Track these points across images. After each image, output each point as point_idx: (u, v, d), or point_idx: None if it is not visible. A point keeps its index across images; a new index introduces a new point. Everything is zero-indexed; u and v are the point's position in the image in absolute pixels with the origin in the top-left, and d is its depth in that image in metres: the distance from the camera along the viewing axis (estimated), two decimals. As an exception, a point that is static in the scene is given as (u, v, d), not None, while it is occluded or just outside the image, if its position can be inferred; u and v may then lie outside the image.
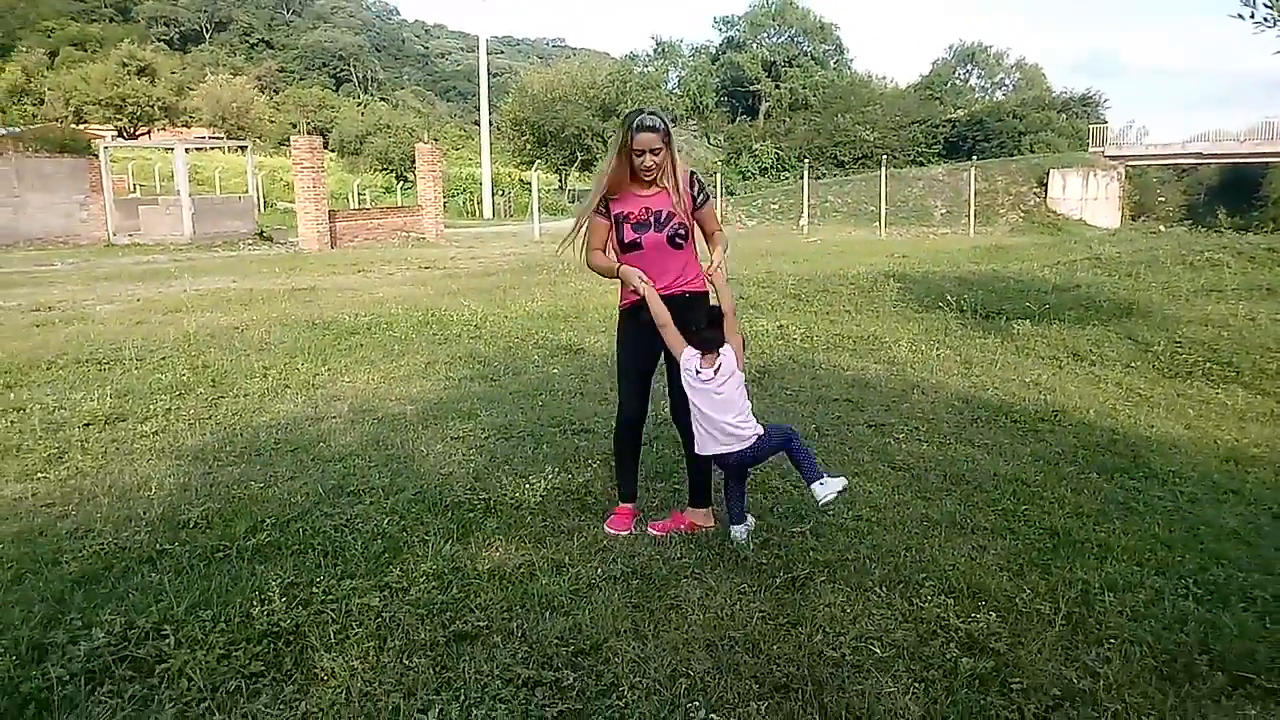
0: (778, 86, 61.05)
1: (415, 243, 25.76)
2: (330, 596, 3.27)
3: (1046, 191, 39.52)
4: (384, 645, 2.98)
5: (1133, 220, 37.95)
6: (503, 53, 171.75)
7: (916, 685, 2.86)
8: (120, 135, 62.04)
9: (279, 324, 9.49)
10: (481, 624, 3.12)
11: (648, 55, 63.47)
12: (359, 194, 51.87)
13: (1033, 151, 47.96)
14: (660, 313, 3.80)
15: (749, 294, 12.37)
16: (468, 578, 3.48)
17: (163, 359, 7.62)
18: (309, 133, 29.35)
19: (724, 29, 64.68)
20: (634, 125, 3.82)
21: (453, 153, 71.12)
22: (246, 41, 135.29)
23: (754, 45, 62.91)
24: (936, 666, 2.96)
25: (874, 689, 2.82)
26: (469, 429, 5.53)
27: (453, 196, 56.35)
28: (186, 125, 73.80)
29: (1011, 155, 47.28)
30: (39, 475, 4.75)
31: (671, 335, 3.85)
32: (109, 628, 3.00)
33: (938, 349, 8.54)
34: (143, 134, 68.59)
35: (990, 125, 54.05)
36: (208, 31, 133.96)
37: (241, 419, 5.87)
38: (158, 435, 5.48)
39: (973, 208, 32.40)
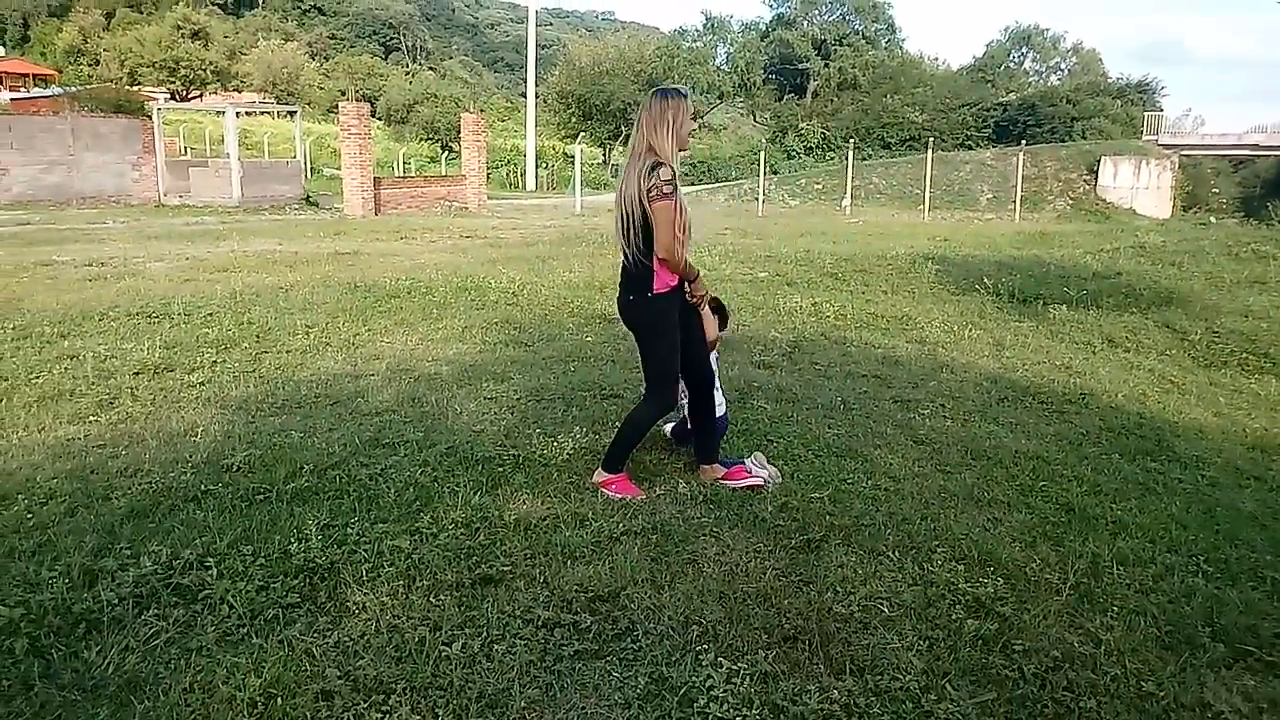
0: (827, 65, 60.50)
1: (457, 212, 25.99)
2: (364, 538, 3.44)
3: (1097, 179, 38.86)
4: (412, 584, 3.14)
5: (1184, 211, 37.23)
6: (551, 24, 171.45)
7: (921, 642, 2.96)
8: (173, 98, 62.89)
9: (322, 285, 9.71)
10: (505, 569, 3.27)
11: (696, 30, 63.04)
12: (404, 162, 52.26)
13: (1085, 138, 47.18)
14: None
15: (785, 271, 12.44)
16: (494, 526, 3.63)
17: (209, 315, 7.86)
18: (356, 100, 29.68)
19: (775, 5, 64.15)
20: (682, 94, 3.94)
21: (498, 124, 71.36)
22: (298, 7, 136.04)
23: (805, 23, 62.31)
24: (942, 626, 3.06)
25: (879, 643, 2.93)
26: (502, 390, 5.68)
27: (497, 168, 56.64)
28: (238, 90, 74.60)
29: (1063, 141, 46.53)
30: (91, 419, 4.97)
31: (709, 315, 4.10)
32: (156, 557, 3.19)
33: (970, 330, 8.57)
34: (194, 97, 69.45)
35: (1042, 110, 53.25)
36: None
37: (284, 373, 6.07)
38: (204, 385, 5.69)
39: (1019, 193, 31.97)
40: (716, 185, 47.34)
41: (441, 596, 3.07)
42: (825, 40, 60.86)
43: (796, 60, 61.21)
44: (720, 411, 4.44)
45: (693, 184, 50.27)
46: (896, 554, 3.57)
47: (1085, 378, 6.92)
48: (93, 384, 5.60)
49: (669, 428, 4.74)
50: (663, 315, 3.96)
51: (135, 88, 60.33)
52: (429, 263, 12.36)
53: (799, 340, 7.72)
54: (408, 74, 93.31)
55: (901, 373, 6.76)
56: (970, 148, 49.41)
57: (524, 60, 54.80)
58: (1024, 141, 39.44)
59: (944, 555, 3.56)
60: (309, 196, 27.73)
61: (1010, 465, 4.72)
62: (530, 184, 52.71)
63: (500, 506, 3.83)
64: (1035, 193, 38.31)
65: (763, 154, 41.50)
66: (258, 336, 7.07)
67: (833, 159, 49.44)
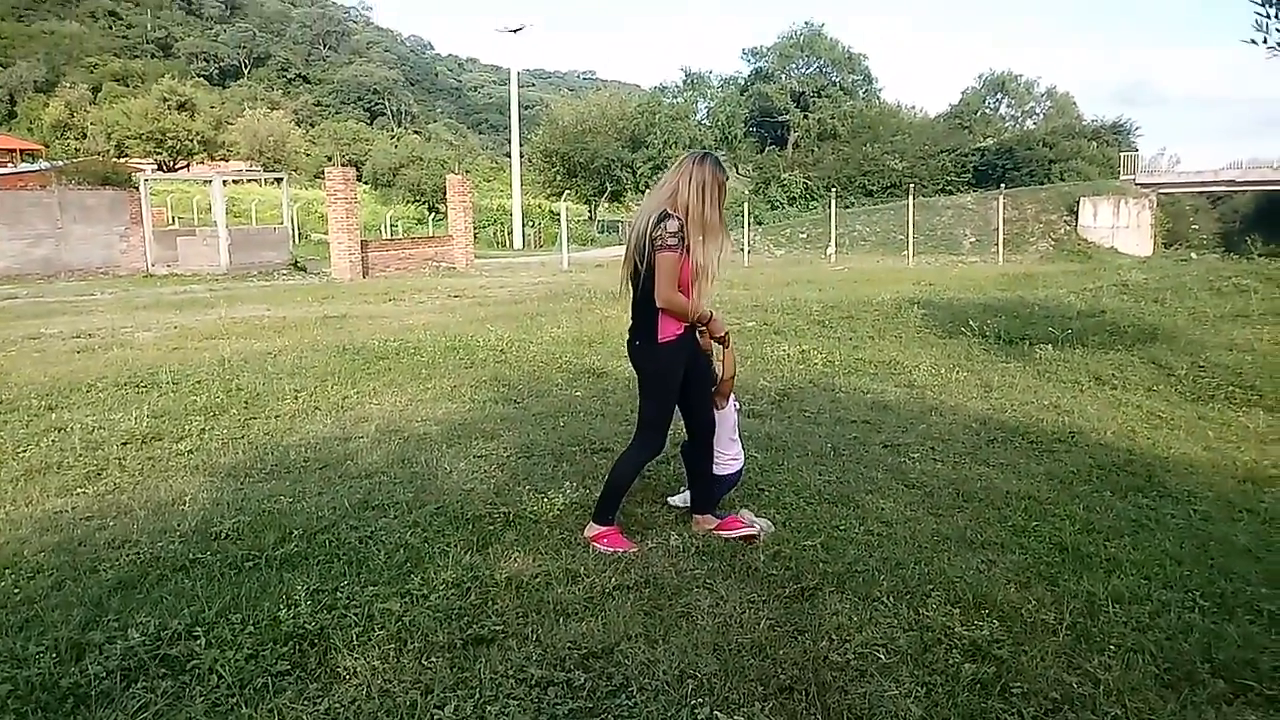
0: (806, 117, 61.43)
1: (445, 272, 26.12)
2: (353, 602, 3.41)
3: (1077, 220, 39.34)
4: (403, 647, 3.11)
5: (1165, 248, 37.67)
6: (534, 85, 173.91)
7: (919, 689, 2.94)
8: (160, 168, 63.37)
9: (310, 349, 9.72)
10: (498, 628, 3.24)
11: (677, 87, 64.06)
12: (391, 225, 52.63)
13: (1063, 179, 47.84)
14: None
15: (773, 320, 12.49)
16: (486, 586, 3.60)
17: (198, 382, 7.84)
18: (343, 165, 29.97)
19: (752, 60, 65.26)
20: (723, 168, 4.02)
21: (484, 184, 72.09)
22: (284, 76, 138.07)
23: (782, 76, 63.36)
24: (939, 672, 3.04)
25: (876, 691, 2.90)
26: (492, 448, 5.67)
27: (484, 227, 57.05)
28: (225, 159, 75.25)
29: (1041, 184, 47.17)
30: (78, 490, 4.94)
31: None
32: (144, 629, 3.15)
33: (958, 373, 8.60)
34: (181, 167, 70.02)
35: (1020, 154, 54.06)
36: (246, 67, 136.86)
37: (272, 438, 6.05)
38: (192, 453, 5.67)
39: (1001, 236, 32.30)
40: (702, 237, 47.68)
41: (433, 658, 3.03)
42: (804, 92, 61.89)
43: (776, 113, 62.18)
44: (737, 466, 4.43)
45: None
46: (891, 599, 3.55)
47: (1073, 416, 6.95)
48: (80, 456, 5.57)
49: (677, 499, 4.65)
50: (666, 363, 4.00)
51: (123, 159, 60.83)
52: (417, 323, 12.40)
53: (787, 388, 7.75)
54: (393, 138, 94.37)
55: (890, 417, 6.78)
56: (951, 193, 50.02)
57: (507, 121, 55.52)
58: (1003, 185, 39.96)
59: (939, 599, 3.55)
60: (297, 261, 27.83)
61: (1002, 506, 4.72)
62: (518, 242, 53.08)
63: (491, 565, 3.81)
64: (1017, 235, 38.74)
65: (745, 205, 41.91)
66: (246, 403, 7.05)
67: (816, 208, 49.99)
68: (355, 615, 3.30)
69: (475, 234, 34.40)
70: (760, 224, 47.38)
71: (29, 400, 7.15)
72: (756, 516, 4.33)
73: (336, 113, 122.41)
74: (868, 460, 5.54)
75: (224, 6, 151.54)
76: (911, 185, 40.76)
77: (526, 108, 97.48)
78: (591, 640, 3.17)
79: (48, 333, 12.02)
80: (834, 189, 42.45)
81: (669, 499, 4.67)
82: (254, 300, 17.54)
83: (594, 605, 3.46)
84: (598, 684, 2.92)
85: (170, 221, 45.01)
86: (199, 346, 10.34)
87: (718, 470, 4.33)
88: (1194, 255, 26.15)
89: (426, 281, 22.41)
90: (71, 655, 3.04)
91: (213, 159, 74.63)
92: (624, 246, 4.12)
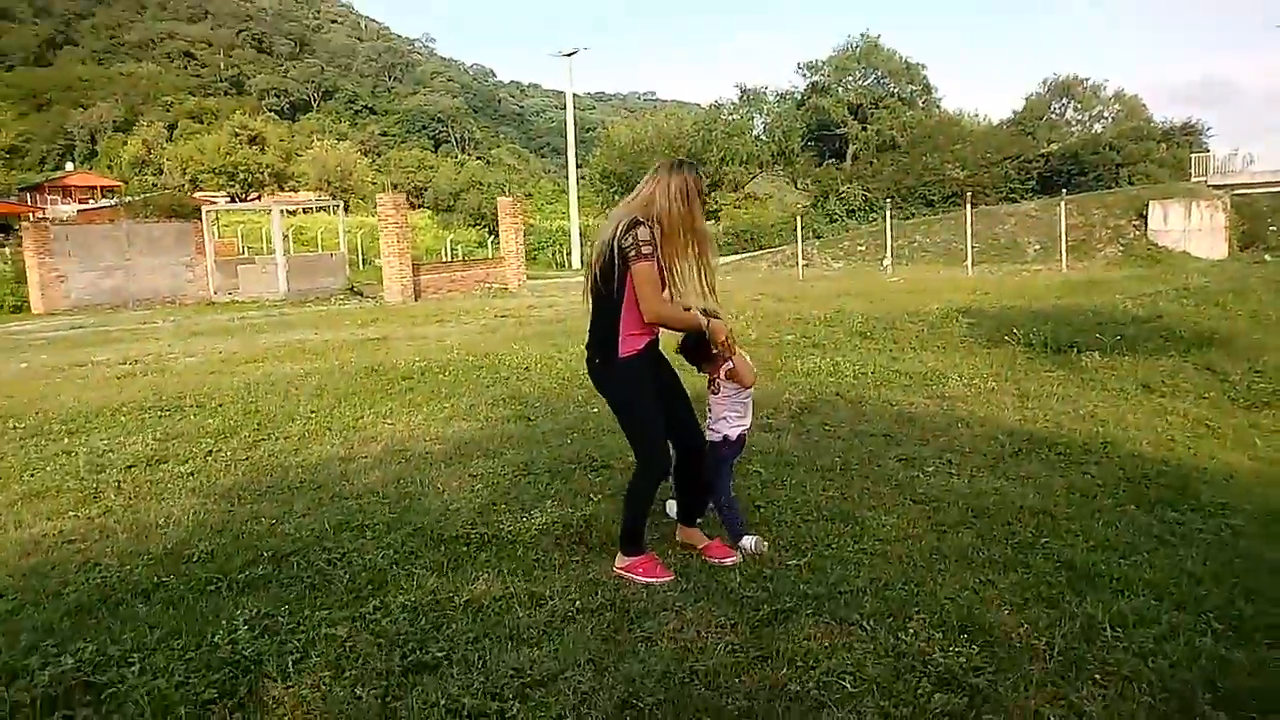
0: (864, 129, 60.62)
1: (497, 293, 26.24)
2: (301, 627, 3.29)
3: (1146, 224, 37.99)
4: (340, 675, 2.98)
5: (1241, 250, 36.20)
6: (594, 108, 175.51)
7: (880, 721, 2.71)
8: (233, 200, 65.15)
9: (339, 371, 9.74)
10: (442, 655, 3.09)
11: (733, 104, 63.80)
12: (452, 249, 53.29)
13: (1131, 183, 46.39)
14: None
15: (813, 333, 12.19)
16: (443, 609, 3.46)
17: (219, 405, 7.88)
18: (404, 191, 30.39)
19: (808, 74, 64.66)
20: (699, 173, 3.84)
21: (547, 207, 72.68)
22: (351, 108, 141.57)
23: (839, 89, 62.68)
24: (907, 703, 2.81)
25: (831, 725, 2.68)
26: (490, 467, 5.54)
27: (543, 248, 57.47)
28: (294, 189, 77.24)
29: (1109, 188, 45.79)
30: (69, 514, 4.93)
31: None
32: (79, 654, 3.07)
33: (995, 382, 8.24)
34: (254, 199, 72.11)
35: (1086, 159, 52.58)
36: (315, 101, 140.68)
37: (276, 459, 6.01)
38: (193, 475, 5.65)
39: (1064, 242, 31.34)
40: (760, 252, 47.35)
41: (366, 687, 2.89)
42: (861, 105, 61.07)
43: (834, 126, 61.42)
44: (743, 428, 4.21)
45: (735, 252, 50.37)
46: (871, 623, 3.31)
47: (1109, 426, 6.57)
48: (82, 479, 5.59)
49: (671, 509, 4.45)
50: (631, 380, 3.77)
51: (198, 194, 62.85)
52: (454, 344, 12.38)
53: (812, 401, 7.49)
54: (456, 164, 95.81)
55: (914, 430, 6.49)
56: (1014, 200, 48.88)
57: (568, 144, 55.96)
58: (1064, 190, 38.86)
59: (921, 623, 3.30)
60: (353, 286, 28.26)
61: (1013, 522, 4.43)
62: (575, 263, 53.28)
63: (456, 588, 3.66)
64: (1083, 241, 37.58)
65: (798, 219, 41.46)
66: (258, 425, 7.04)
67: (875, 220, 49.22)
68: (297, 641, 3.18)
69: (535, 255, 34.62)
70: (819, 238, 46.83)
71: (52, 425, 7.25)
72: (750, 534, 4.10)
73: (402, 142, 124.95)
74: (878, 475, 5.28)
75: (294, 44, 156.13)
76: (969, 193, 39.84)
77: (588, 130, 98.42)
78: (538, 668, 3.00)
79: (96, 360, 12.27)
80: (889, 199, 41.72)
81: (665, 504, 4.47)
82: (304, 325, 17.77)
83: (551, 630, 3.29)
84: (532, 715, 2.74)
85: (240, 251, 46.13)
86: (234, 371, 10.44)
87: (729, 428, 4.14)
88: (1268, 257, 25.03)
89: (476, 303, 22.52)
90: (5, 680, 2.97)
91: (282, 190, 76.68)
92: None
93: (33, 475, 5.73)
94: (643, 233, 3.56)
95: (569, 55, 56.51)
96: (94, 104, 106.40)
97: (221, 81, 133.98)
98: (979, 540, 4.18)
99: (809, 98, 63.22)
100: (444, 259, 46.73)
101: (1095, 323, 11.40)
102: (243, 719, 2.75)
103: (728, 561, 3.91)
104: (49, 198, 75.33)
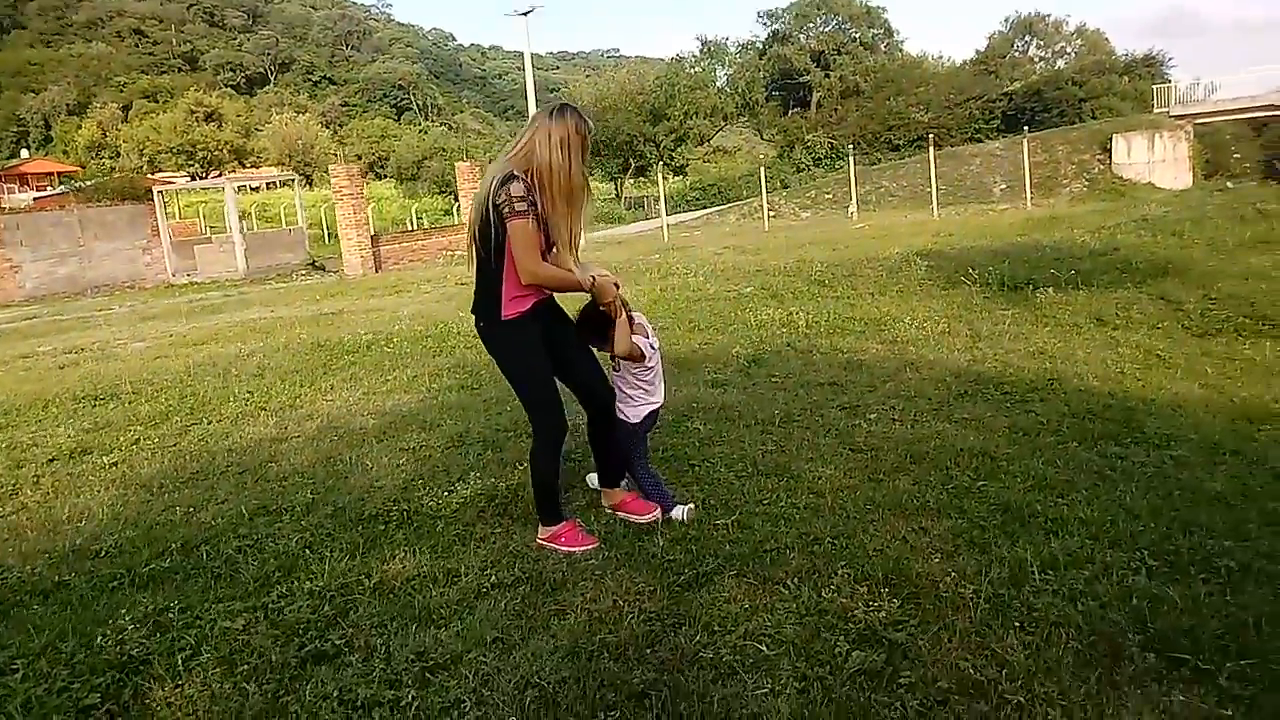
0: (827, 76, 60.20)
1: (459, 261, 25.91)
2: (198, 621, 3.13)
3: (1111, 157, 37.98)
4: (231, 671, 2.82)
5: (1205, 180, 36.27)
6: (558, 68, 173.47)
7: (796, 684, 2.60)
8: (192, 179, 64.01)
9: (283, 349, 9.51)
10: (342, 643, 2.94)
11: (694, 56, 63.09)
12: (417, 218, 52.62)
13: (1095, 118, 46.29)
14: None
15: (772, 283, 12.04)
16: (351, 593, 3.31)
17: (157, 391, 7.65)
18: (367, 162, 29.88)
19: (769, 23, 64.02)
20: (585, 118, 3.50)
21: (512, 170, 71.72)
22: (309, 80, 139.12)
23: (801, 37, 62.09)
24: (824, 663, 2.69)
25: (742, 692, 2.56)
26: (423, 439, 5.38)
27: (512, 213, 56.68)
28: (255, 166, 75.97)
29: (1072, 124, 45.69)
30: (-19, 513, 4.74)
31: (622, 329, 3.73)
32: (-41, 665, 2.91)
33: (949, 324, 8.13)
34: (215, 176, 70.89)
35: (1049, 95, 52.37)
36: (272, 74, 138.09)
37: (205, 444, 5.82)
38: (115, 466, 5.44)
39: (1028, 179, 31.28)
40: (727, 205, 47.05)
41: (257, 683, 2.74)
42: (823, 51, 60.56)
43: (797, 74, 60.94)
44: (653, 406, 3.96)
45: (704, 206, 50.03)
46: (795, 581, 3.19)
47: (1058, 362, 6.47)
48: (0, 476, 5.38)
49: (593, 479, 4.32)
50: (516, 341, 3.59)
51: (157, 175, 61.63)
52: (406, 314, 12.15)
53: (760, 353, 7.35)
54: (420, 132, 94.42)
55: (862, 377, 6.36)
56: (979, 141, 48.70)
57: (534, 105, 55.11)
58: (1027, 128, 38.71)
59: (845, 577, 3.19)
60: (314, 261, 27.83)
61: (951, 466, 4.32)
62: (541, 225, 52.78)
63: (368, 569, 3.51)
64: (1049, 178, 37.54)
65: (761, 170, 41.16)
66: (191, 409, 6.83)
67: (841, 168, 48.96)
68: (191, 637, 3.02)
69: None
70: (786, 187, 46.58)
71: (-20, 421, 7.02)
72: (679, 504, 3.92)
73: (364, 111, 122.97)
74: (820, 425, 5.15)
75: (246, 16, 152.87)
76: (931, 135, 39.61)
77: (551, 90, 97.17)
78: (442, 650, 2.86)
79: (41, 350, 11.97)
80: (851, 146, 41.45)
81: (586, 477, 4.34)
82: (260, 303, 17.45)
83: (461, 609, 3.16)
84: (429, 702, 2.61)
85: (203, 231, 45.40)
86: (182, 354, 10.18)
87: (633, 410, 3.91)
88: (1229, 185, 25.04)
89: (438, 272, 22.20)
90: (-123, 699, 2.80)
91: (243, 166, 75.42)
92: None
93: (-49, 474, 5.51)
94: (516, 188, 3.33)
95: (525, 15, 55.48)
96: (45, 88, 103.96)
97: (175, 59, 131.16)
98: (915, 487, 4.06)
99: (770, 47, 62.63)
100: (408, 229, 46.20)
101: (1052, 259, 11.30)
102: (123, 724, 2.60)
103: (646, 518, 3.78)
104: (5, 186, 73.80)
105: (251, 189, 66.66)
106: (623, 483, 3.97)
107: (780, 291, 11.41)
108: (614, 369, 3.99)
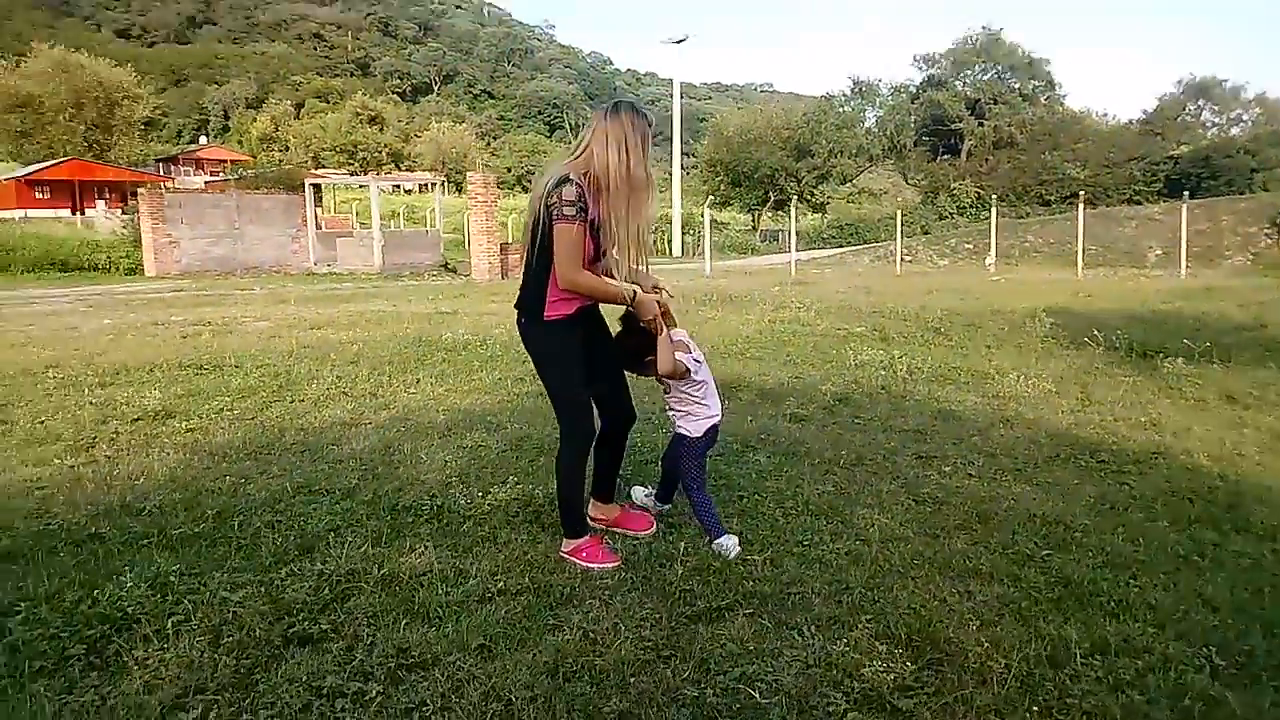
0: (981, 124, 58.52)
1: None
2: (201, 588, 3.13)
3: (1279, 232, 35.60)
4: (216, 641, 2.80)
5: (1387, 265, 33.49)
6: (710, 98, 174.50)
7: (779, 739, 2.38)
8: (352, 176, 67.08)
9: (386, 341, 9.71)
10: (329, 629, 2.88)
11: (844, 95, 62.43)
12: (555, 232, 53.61)
13: (1266, 190, 43.51)
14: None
15: (885, 326, 11.66)
16: (358, 580, 3.26)
17: (256, 366, 7.90)
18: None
19: (925, 67, 62.81)
20: (642, 113, 3.42)
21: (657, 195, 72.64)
22: (470, 92, 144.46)
23: (957, 83, 60.63)
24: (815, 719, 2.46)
25: (716, 738, 2.36)
26: (483, 439, 5.34)
27: (646, 235, 57.20)
28: (410, 169, 79.15)
29: (1241, 194, 43.07)
30: (55, 461, 4.92)
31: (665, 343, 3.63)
32: (-31, 599, 2.98)
33: (1057, 384, 7.63)
34: (370, 176, 74.14)
35: (1218, 163, 49.61)
36: (436, 84, 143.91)
37: (281, 421, 5.93)
38: (190, 432, 5.60)
39: (1183, 247, 29.52)
40: (864, 246, 46.24)
41: (234, 656, 2.70)
42: (979, 100, 58.95)
43: (949, 121, 59.48)
44: (713, 421, 3.84)
45: (840, 245, 49.31)
46: (811, 629, 2.97)
47: (1169, 435, 5.95)
48: (84, 429, 5.60)
49: (638, 491, 4.23)
50: (555, 344, 3.49)
51: (320, 170, 64.89)
52: (512, 322, 12.25)
53: (849, 393, 7.06)
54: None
55: (950, 427, 6.01)
56: (1138, 203, 46.45)
57: (682, 134, 55.43)
58: (1187, 194, 36.66)
59: (866, 632, 2.94)
60: (447, 263, 28.63)
61: (1018, 531, 3.98)
62: (676, 249, 53.01)
63: (381, 559, 3.46)
64: (1210, 248, 35.42)
65: (898, 214, 40.24)
66: (280, 386, 7.01)
67: (986, 218, 47.48)
68: (189, 602, 3.01)
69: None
70: (927, 234, 45.44)
71: (88, 376, 7.37)
72: (729, 534, 3.72)
73: (518, 126, 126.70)
74: (888, 471, 4.87)
75: (418, 28, 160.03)
76: (1082, 193, 37.97)
77: (702, 120, 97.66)
78: (423, 649, 2.76)
79: (174, 319, 12.60)
80: (997, 197, 40.09)
81: (631, 490, 4.21)
82: (387, 297, 17.97)
83: (460, 610, 3.06)
84: (394, 700, 2.51)
85: (354, 226, 47.43)
86: (292, 336, 10.53)
87: (694, 425, 3.80)
88: None
89: (561, 284, 22.46)
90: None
91: (399, 169, 78.63)
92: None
93: (42, 423, 5.78)
94: (568, 191, 3.23)
95: (679, 43, 56.08)
96: (228, 81, 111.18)
97: (348, 63, 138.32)
98: (972, 548, 3.76)
99: (924, 91, 61.37)
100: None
101: (1192, 329, 10.57)
102: (96, 678, 2.59)
103: (644, 533, 3.70)
104: (183, 169, 79.03)
105: (405, 190, 69.46)
106: (665, 506, 3.84)
107: (891, 334, 11.02)
108: (664, 391, 3.87)
